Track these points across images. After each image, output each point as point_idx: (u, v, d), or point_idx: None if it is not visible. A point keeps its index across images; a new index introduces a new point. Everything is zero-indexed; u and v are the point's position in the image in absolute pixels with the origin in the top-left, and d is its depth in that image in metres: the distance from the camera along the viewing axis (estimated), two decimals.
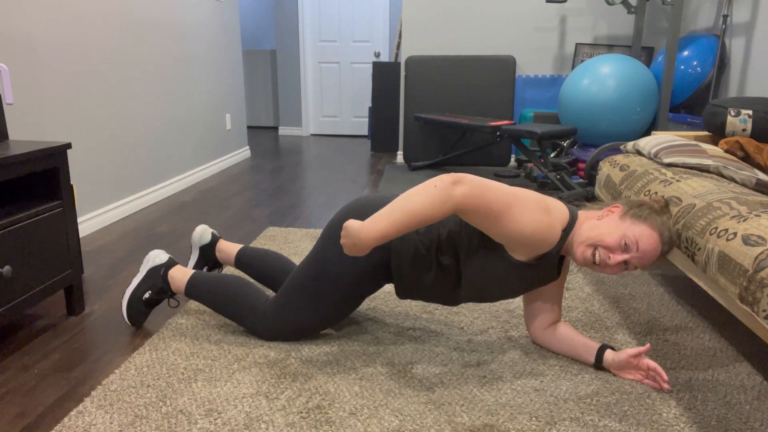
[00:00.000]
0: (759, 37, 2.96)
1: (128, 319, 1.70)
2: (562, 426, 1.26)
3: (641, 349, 1.41)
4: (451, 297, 1.51)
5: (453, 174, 1.29)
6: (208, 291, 1.66)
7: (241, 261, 1.90)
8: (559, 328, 1.57)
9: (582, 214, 1.42)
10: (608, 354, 1.47)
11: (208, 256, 1.98)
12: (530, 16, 4.29)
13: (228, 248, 1.95)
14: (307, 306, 1.55)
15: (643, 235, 1.33)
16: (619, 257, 1.32)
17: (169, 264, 1.74)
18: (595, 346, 1.50)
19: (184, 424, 1.26)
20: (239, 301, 1.62)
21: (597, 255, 1.34)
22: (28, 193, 1.74)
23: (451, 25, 4.39)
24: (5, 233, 1.49)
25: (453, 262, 1.44)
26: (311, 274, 1.53)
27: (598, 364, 1.49)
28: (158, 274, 1.72)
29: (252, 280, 1.97)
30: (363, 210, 1.51)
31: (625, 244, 1.32)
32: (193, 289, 1.68)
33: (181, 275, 1.70)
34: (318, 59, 6.25)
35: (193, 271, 1.72)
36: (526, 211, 1.31)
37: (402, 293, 1.54)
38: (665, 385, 1.40)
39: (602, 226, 1.36)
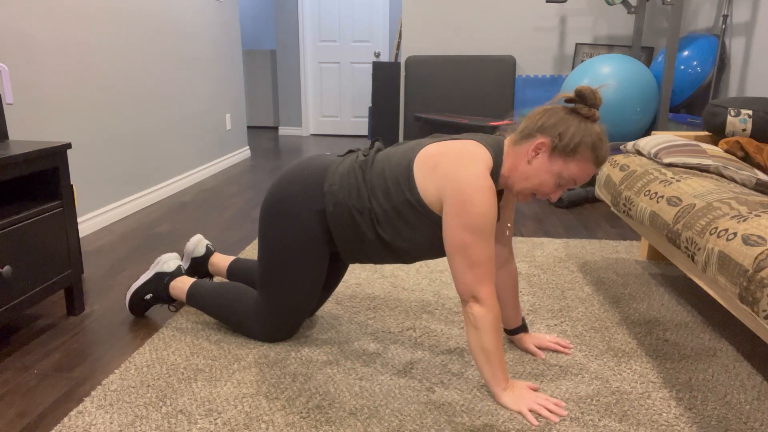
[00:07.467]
0: (759, 37, 2.96)
1: (130, 310, 1.79)
2: (562, 426, 1.26)
3: (539, 353, 1.56)
4: (395, 260, 1.50)
5: (474, 305, 1.32)
6: (207, 303, 1.69)
7: (232, 273, 1.91)
8: (507, 271, 1.56)
9: (506, 146, 1.37)
10: (523, 336, 1.61)
11: (199, 269, 1.99)
12: (530, 16, 4.29)
13: (220, 261, 1.97)
14: (279, 292, 1.54)
15: (579, 171, 1.32)
16: (558, 192, 1.36)
17: (175, 274, 1.78)
18: (518, 320, 1.59)
19: (184, 424, 1.26)
20: (236, 309, 1.63)
21: (535, 195, 1.38)
22: (28, 193, 1.74)
23: (451, 25, 4.39)
24: (5, 233, 1.49)
25: (386, 232, 1.42)
26: (267, 260, 1.54)
27: (511, 335, 1.62)
28: (162, 281, 1.77)
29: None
30: (297, 180, 1.50)
31: (561, 184, 1.34)
32: (193, 300, 1.72)
33: (181, 285, 1.75)
34: (318, 59, 6.25)
35: (193, 280, 1.75)
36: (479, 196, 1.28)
37: (347, 257, 1.53)
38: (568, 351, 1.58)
39: (534, 174, 1.33)
